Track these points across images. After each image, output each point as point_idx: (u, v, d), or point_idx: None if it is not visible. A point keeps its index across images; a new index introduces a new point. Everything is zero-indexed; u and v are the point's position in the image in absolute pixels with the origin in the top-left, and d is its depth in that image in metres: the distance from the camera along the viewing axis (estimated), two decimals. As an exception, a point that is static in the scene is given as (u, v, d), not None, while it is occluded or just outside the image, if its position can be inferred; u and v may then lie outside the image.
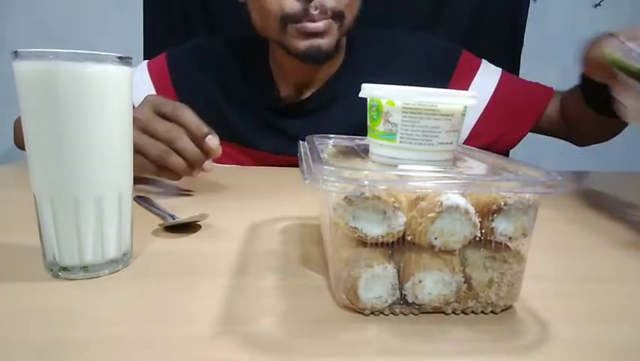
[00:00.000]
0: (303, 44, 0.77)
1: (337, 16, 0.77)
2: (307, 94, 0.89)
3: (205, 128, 0.60)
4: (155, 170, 0.62)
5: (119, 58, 0.36)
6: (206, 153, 0.61)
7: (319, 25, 0.75)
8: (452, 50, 0.94)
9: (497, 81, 0.91)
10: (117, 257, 0.38)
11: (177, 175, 0.62)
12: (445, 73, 0.90)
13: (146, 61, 0.95)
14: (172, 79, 0.92)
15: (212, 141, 0.60)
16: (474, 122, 0.90)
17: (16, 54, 0.34)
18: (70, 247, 0.36)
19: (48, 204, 0.35)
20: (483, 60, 0.94)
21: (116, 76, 0.36)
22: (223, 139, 0.92)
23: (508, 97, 0.90)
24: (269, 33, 0.82)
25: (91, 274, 0.37)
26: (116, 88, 0.36)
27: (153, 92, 0.90)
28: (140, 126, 0.59)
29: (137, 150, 0.58)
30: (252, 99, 0.91)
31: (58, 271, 0.37)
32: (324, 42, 0.77)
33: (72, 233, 0.36)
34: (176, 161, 0.60)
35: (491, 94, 0.90)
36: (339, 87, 0.87)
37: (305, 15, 0.75)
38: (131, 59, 0.37)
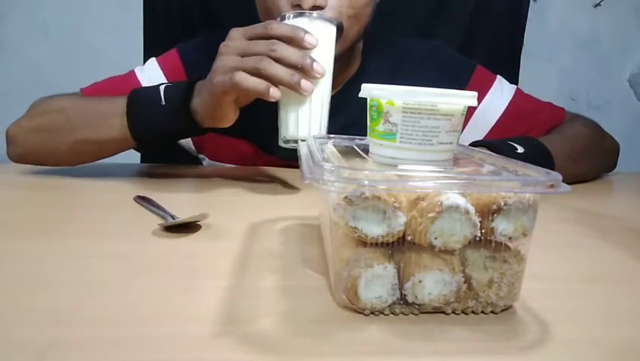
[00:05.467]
0: None
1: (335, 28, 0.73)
2: None
3: (301, 31, 0.59)
4: (259, 85, 0.58)
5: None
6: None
7: None
8: (466, 64, 0.92)
9: (509, 100, 0.89)
10: None
11: (280, 83, 0.59)
12: (457, 85, 0.87)
13: (154, 58, 0.93)
14: (187, 74, 0.89)
15: (310, 39, 0.60)
16: (481, 139, 0.88)
17: None
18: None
19: None
20: (498, 76, 0.92)
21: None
22: (238, 137, 0.91)
23: (518, 117, 0.88)
24: None
25: None
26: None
27: None
28: (236, 53, 0.59)
29: (236, 68, 0.58)
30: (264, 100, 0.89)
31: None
32: None
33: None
34: (278, 68, 0.58)
35: (501, 113, 0.88)
36: (355, 92, 0.85)
37: None
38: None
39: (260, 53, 0.58)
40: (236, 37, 0.62)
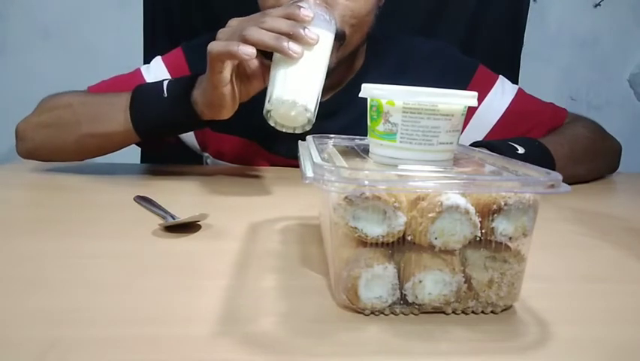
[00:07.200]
0: None
1: (337, 36, 0.71)
2: (326, 96, 0.87)
3: (295, 7, 0.59)
4: (226, 45, 0.57)
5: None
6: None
7: None
8: (469, 63, 0.92)
9: (511, 100, 0.89)
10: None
11: (266, 47, 0.57)
12: (458, 85, 0.86)
13: (159, 56, 0.93)
14: (192, 72, 0.87)
15: (305, 11, 0.58)
16: (481, 139, 0.86)
17: None
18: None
19: None
20: (500, 77, 0.92)
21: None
22: (242, 135, 0.91)
23: (519, 117, 0.88)
24: None
25: None
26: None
27: None
28: (229, 33, 0.60)
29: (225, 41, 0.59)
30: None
31: None
32: None
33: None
34: (264, 33, 0.57)
35: (502, 112, 0.88)
36: (357, 92, 0.84)
37: None
38: None
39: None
40: (233, 24, 0.62)
